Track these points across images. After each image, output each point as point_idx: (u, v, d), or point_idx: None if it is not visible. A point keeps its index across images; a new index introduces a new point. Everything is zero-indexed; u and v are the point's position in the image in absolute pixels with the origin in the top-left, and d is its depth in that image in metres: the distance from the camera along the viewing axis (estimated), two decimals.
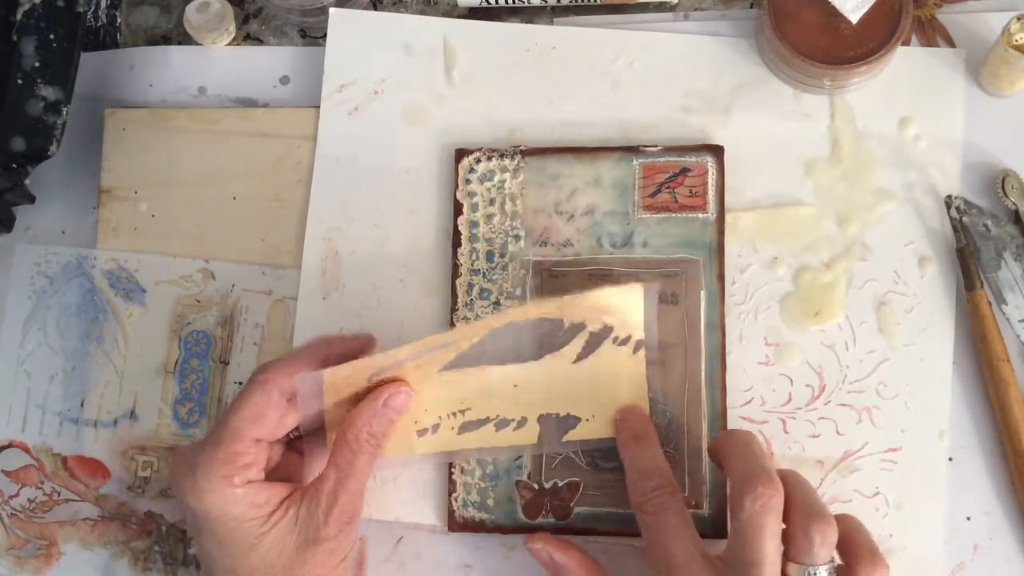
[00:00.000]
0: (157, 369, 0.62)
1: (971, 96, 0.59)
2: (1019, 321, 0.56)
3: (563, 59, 0.62)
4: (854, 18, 0.58)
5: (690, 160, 0.59)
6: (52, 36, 0.61)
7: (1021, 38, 0.56)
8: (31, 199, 0.65)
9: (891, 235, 0.58)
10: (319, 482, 0.51)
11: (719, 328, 0.57)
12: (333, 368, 0.52)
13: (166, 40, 0.67)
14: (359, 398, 0.54)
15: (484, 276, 0.59)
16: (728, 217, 0.58)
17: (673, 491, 0.51)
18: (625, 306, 0.55)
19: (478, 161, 0.60)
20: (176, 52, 0.66)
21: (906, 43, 0.60)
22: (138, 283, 0.63)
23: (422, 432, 0.56)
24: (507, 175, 0.60)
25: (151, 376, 0.62)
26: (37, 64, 0.61)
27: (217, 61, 0.65)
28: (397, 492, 0.58)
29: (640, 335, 0.56)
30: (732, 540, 0.48)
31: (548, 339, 0.56)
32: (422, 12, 0.65)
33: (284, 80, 0.65)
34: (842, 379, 0.57)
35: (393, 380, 0.53)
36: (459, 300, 0.59)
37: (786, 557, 0.47)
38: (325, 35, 0.64)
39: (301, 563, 0.50)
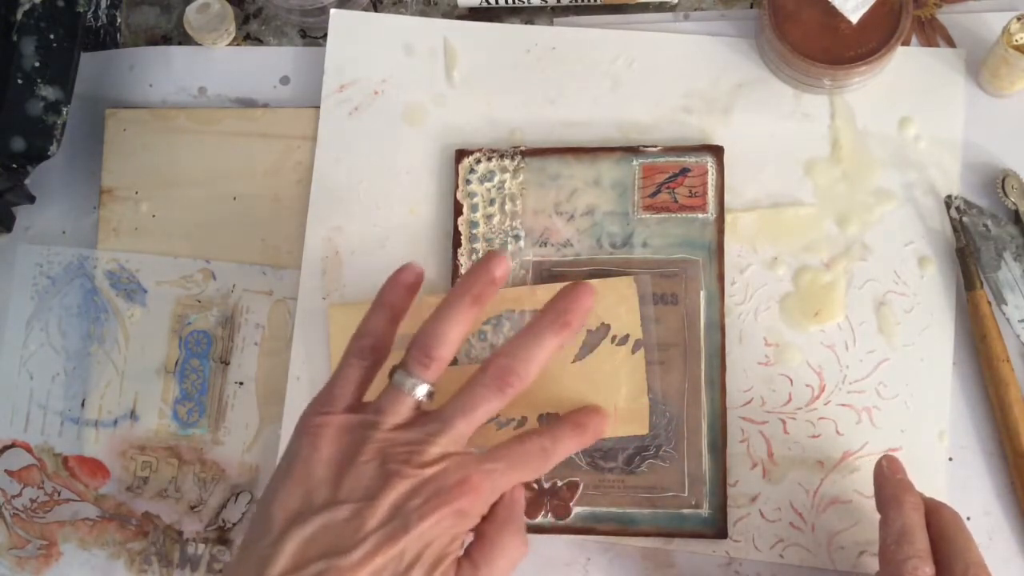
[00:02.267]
0: (158, 369, 0.62)
1: (971, 96, 0.59)
2: (1019, 321, 0.56)
3: (563, 59, 0.62)
4: (854, 18, 0.58)
5: (690, 160, 0.59)
6: (52, 36, 0.61)
7: (1021, 38, 0.56)
8: (31, 199, 0.65)
9: (891, 235, 0.58)
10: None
11: (719, 328, 0.57)
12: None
13: (166, 40, 0.67)
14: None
15: None
16: (728, 217, 0.58)
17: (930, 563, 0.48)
18: (619, 299, 0.55)
19: (478, 161, 0.60)
20: (176, 52, 0.66)
21: (906, 43, 0.60)
22: (139, 283, 0.63)
23: None
24: (507, 175, 0.60)
25: (151, 376, 0.62)
26: (37, 64, 0.61)
27: (217, 61, 0.65)
28: None
29: (639, 334, 0.56)
30: None
31: None
32: (422, 12, 0.65)
33: (284, 80, 0.65)
34: (842, 379, 0.57)
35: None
36: None
37: None
38: (325, 35, 0.64)
39: None
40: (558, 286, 0.56)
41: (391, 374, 0.49)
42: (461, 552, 0.47)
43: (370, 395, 0.50)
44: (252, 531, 0.47)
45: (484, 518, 0.49)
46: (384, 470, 0.46)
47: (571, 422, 0.53)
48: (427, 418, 0.48)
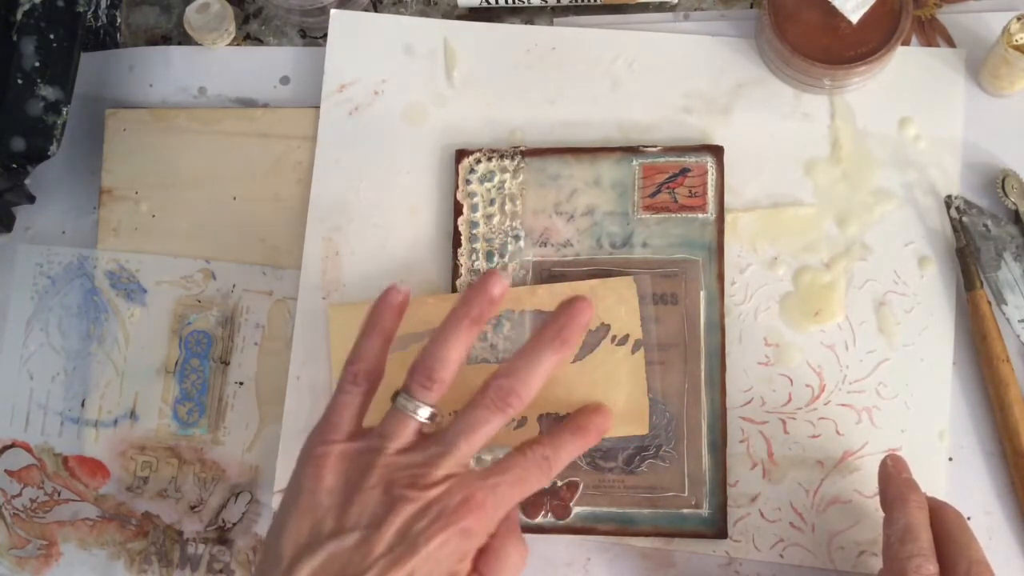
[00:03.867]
0: (158, 369, 0.62)
1: (971, 96, 0.59)
2: (1019, 321, 0.56)
3: (563, 59, 0.62)
4: (854, 18, 0.57)
5: (690, 160, 0.59)
6: (52, 36, 0.61)
7: (1021, 38, 0.56)
8: (31, 199, 0.65)
9: (891, 235, 0.58)
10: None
11: (719, 328, 0.57)
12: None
13: (166, 40, 0.67)
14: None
15: None
16: (728, 217, 0.58)
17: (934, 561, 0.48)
18: (619, 299, 0.55)
19: (478, 161, 0.60)
20: (176, 52, 0.66)
21: (906, 43, 0.60)
22: (139, 283, 0.63)
23: None
24: (507, 175, 0.60)
25: (151, 376, 0.62)
26: (37, 64, 0.61)
27: (217, 61, 0.65)
28: None
29: (638, 334, 0.56)
30: None
31: None
32: (422, 13, 0.65)
33: (284, 80, 0.65)
34: (842, 379, 0.57)
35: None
36: None
37: None
38: (325, 35, 0.64)
39: None
40: (558, 286, 0.57)
41: (393, 398, 0.50)
42: (470, 567, 0.48)
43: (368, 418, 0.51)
44: (262, 564, 0.48)
45: None
46: (389, 495, 0.47)
47: (571, 426, 0.53)
48: (430, 441, 0.49)
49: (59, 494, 0.62)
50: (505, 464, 0.49)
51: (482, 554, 0.48)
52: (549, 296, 0.57)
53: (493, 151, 0.60)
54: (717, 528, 0.56)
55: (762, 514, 0.56)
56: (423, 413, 0.49)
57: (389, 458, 0.48)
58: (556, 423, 0.56)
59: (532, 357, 0.50)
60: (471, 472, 0.48)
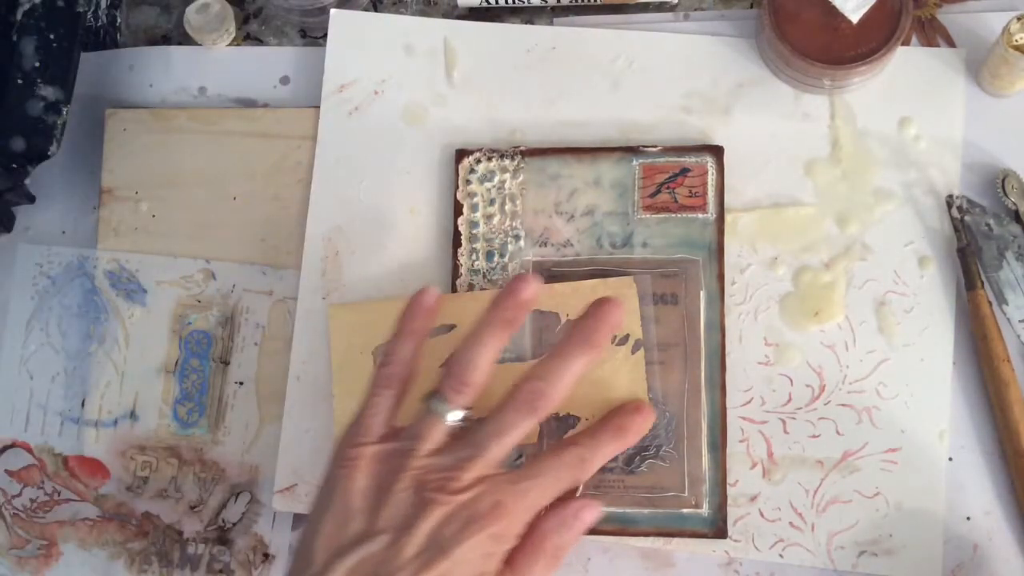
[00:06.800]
0: (158, 369, 0.62)
1: (971, 96, 0.59)
2: (1020, 321, 0.56)
3: (563, 59, 0.62)
4: (854, 18, 0.57)
5: (690, 160, 0.59)
6: (52, 36, 0.61)
7: (1021, 38, 0.56)
8: (31, 199, 0.65)
9: (891, 235, 0.58)
10: None
11: (719, 328, 0.57)
12: None
13: (166, 40, 0.67)
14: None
15: (484, 276, 0.59)
16: (728, 217, 0.58)
17: None
18: (619, 299, 0.55)
19: (478, 161, 0.60)
20: (176, 52, 0.66)
21: (906, 43, 0.60)
22: (139, 283, 0.63)
23: None
24: (507, 175, 0.60)
25: (151, 376, 0.62)
26: (37, 64, 0.61)
27: (217, 61, 0.65)
28: None
29: (638, 334, 0.56)
30: None
31: (546, 335, 0.57)
32: (422, 12, 0.65)
33: (284, 80, 0.65)
34: (842, 379, 0.57)
35: (574, 491, 0.52)
36: None
37: None
38: (325, 35, 0.64)
39: None
40: (558, 286, 0.57)
41: (427, 399, 0.50)
42: (501, 566, 0.48)
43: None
44: (296, 566, 0.48)
45: None
46: (420, 498, 0.47)
47: (613, 427, 0.53)
48: (460, 444, 0.49)
49: (59, 494, 0.62)
50: (538, 467, 0.49)
51: (515, 551, 0.48)
52: (549, 296, 0.57)
53: (493, 151, 0.60)
54: (717, 528, 0.56)
55: (762, 514, 0.56)
56: (454, 416, 0.49)
57: (420, 460, 0.48)
58: (554, 420, 0.56)
59: (563, 359, 0.50)
60: (502, 475, 0.48)
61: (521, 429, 0.49)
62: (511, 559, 0.48)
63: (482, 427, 0.49)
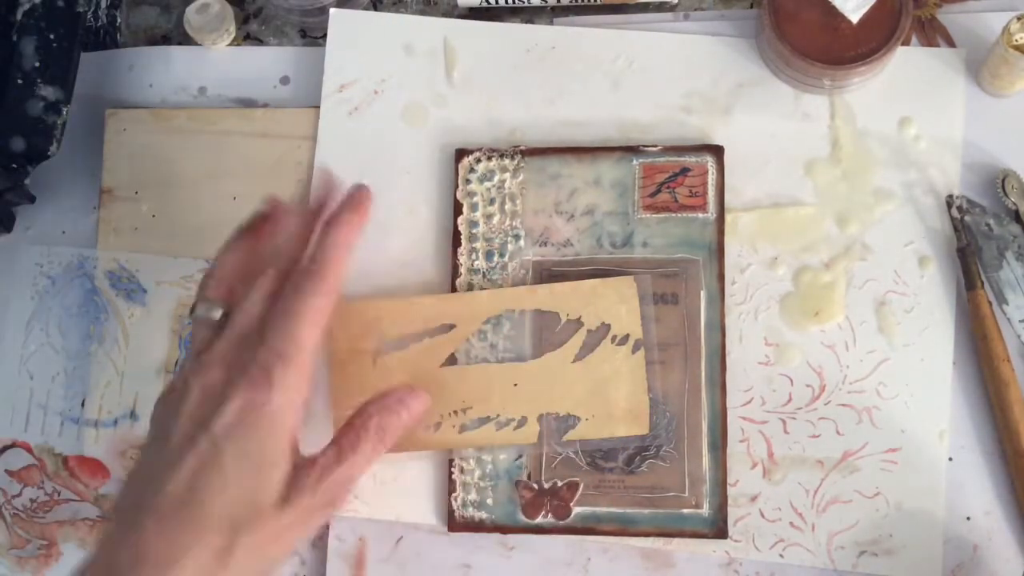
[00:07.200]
0: (158, 369, 0.62)
1: (971, 96, 0.59)
2: (1020, 321, 0.56)
3: (563, 59, 0.62)
4: (854, 18, 0.57)
5: (690, 160, 0.59)
6: (52, 36, 0.61)
7: (1021, 38, 0.56)
8: (31, 199, 0.65)
9: (891, 235, 0.58)
10: (317, 455, 0.50)
11: (719, 328, 0.57)
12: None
13: (166, 40, 0.67)
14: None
15: (484, 276, 0.59)
16: (728, 217, 0.58)
17: None
18: (619, 299, 0.55)
19: (478, 161, 0.60)
20: (176, 52, 0.66)
21: (906, 43, 0.60)
22: (139, 283, 0.63)
23: (423, 430, 0.56)
24: (507, 175, 0.60)
25: (151, 376, 0.62)
26: (37, 64, 0.61)
27: (217, 61, 0.65)
28: (397, 492, 0.58)
29: (639, 334, 0.56)
30: None
31: (546, 335, 0.57)
32: (422, 12, 0.65)
33: (284, 80, 0.65)
34: (842, 379, 0.57)
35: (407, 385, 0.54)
36: None
37: None
38: (325, 35, 0.64)
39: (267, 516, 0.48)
40: (558, 286, 0.57)
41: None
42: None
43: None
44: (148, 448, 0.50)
45: None
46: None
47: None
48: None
49: (59, 494, 0.62)
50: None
51: (341, 432, 0.51)
52: (549, 296, 0.57)
53: (493, 150, 0.60)
54: (717, 528, 0.56)
55: (762, 514, 0.56)
56: (214, 312, 0.51)
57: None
58: (554, 420, 0.56)
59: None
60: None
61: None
62: (338, 438, 0.50)
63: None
